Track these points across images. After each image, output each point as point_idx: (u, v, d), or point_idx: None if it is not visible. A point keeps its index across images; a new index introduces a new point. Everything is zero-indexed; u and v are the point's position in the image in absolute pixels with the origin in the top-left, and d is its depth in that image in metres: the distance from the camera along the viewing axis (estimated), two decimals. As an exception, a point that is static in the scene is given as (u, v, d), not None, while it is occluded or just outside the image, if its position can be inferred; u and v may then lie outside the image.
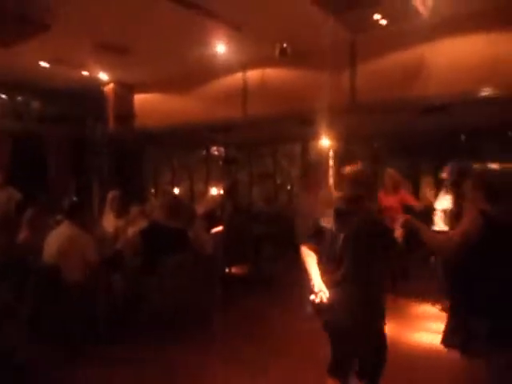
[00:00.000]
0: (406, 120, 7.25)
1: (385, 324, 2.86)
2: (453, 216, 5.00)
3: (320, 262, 2.81)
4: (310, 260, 2.84)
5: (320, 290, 2.62)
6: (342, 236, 2.74)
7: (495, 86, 5.44)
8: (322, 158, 9.29)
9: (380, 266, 2.83)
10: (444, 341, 3.44)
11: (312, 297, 2.63)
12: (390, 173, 6.23)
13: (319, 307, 2.64)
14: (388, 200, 5.91)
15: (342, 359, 2.84)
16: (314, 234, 2.92)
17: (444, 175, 5.44)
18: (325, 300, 2.60)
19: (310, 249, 2.88)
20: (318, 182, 5.96)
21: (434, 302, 5.55)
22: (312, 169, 6.12)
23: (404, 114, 6.89)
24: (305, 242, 2.93)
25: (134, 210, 5.85)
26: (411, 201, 6.06)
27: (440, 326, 4.78)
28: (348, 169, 2.97)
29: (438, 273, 5.44)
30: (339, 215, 2.85)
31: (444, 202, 5.37)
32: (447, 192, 5.37)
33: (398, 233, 2.87)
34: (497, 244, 2.67)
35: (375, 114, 6.96)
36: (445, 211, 5.28)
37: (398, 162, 9.10)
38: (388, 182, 6.14)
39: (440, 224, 5.34)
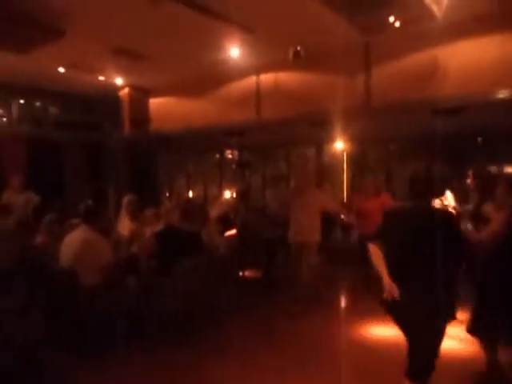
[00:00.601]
0: (421, 122, 7.18)
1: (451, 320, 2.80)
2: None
3: (386, 260, 2.88)
4: (378, 259, 2.91)
5: (391, 289, 2.70)
6: (407, 233, 2.81)
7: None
8: (336, 160, 9.26)
9: (450, 261, 2.82)
10: (468, 329, 3.51)
11: (384, 295, 2.74)
12: (371, 179, 6.62)
13: (390, 304, 2.74)
14: (369, 203, 6.12)
15: (419, 356, 2.81)
16: (380, 232, 3.00)
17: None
18: (396, 296, 2.68)
19: (377, 247, 2.95)
20: (307, 184, 5.93)
21: None
22: (301, 171, 6.06)
23: (419, 115, 6.83)
24: (371, 241, 3.01)
25: (149, 212, 5.90)
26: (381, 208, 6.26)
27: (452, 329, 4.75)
28: (412, 168, 3.12)
29: None
30: (405, 213, 2.95)
31: None
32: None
33: None
34: None
35: (390, 116, 6.92)
36: None
37: (413, 164, 9.00)
38: (369, 187, 6.42)
39: None
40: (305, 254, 5.56)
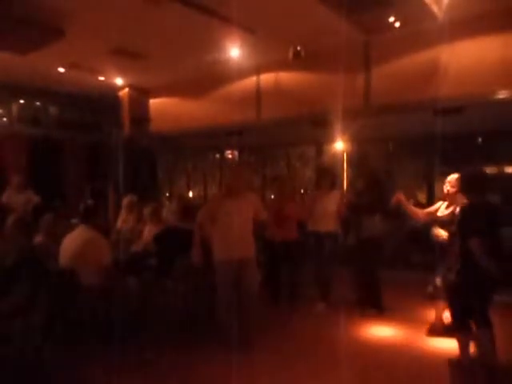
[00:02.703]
0: (421, 122, 7.19)
1: None
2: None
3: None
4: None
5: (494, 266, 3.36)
6: (493, 223, 3.53)
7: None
8: (336, 159, 9.25)
9: None
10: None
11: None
12: (286, 182, 6.64)
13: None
14: (288, 209, 5.94)
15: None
16: (483, 228, 3.42)
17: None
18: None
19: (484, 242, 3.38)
20: (239, 185, 4.81)
21: None
22: (231, 172, 5.25)
23: (419, 115, 6.83)
24: (479, 236, 3.39)
25: (149, 209, 5.88)
26: (299, 212, 6.09)
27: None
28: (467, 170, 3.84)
29: None
30: (485, 207, 3.58)
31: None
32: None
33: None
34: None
35: (390, 116, 6.91)
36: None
37: (413, 164, 9.00)
38: (283, 191, 6.28)
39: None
40: (243, 275, 4.53)
